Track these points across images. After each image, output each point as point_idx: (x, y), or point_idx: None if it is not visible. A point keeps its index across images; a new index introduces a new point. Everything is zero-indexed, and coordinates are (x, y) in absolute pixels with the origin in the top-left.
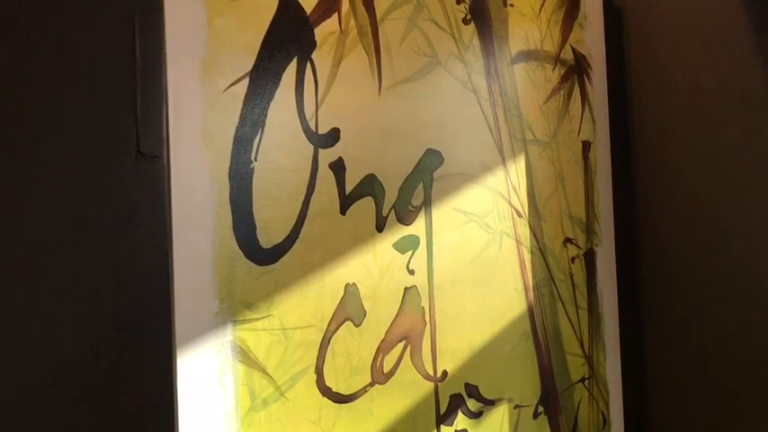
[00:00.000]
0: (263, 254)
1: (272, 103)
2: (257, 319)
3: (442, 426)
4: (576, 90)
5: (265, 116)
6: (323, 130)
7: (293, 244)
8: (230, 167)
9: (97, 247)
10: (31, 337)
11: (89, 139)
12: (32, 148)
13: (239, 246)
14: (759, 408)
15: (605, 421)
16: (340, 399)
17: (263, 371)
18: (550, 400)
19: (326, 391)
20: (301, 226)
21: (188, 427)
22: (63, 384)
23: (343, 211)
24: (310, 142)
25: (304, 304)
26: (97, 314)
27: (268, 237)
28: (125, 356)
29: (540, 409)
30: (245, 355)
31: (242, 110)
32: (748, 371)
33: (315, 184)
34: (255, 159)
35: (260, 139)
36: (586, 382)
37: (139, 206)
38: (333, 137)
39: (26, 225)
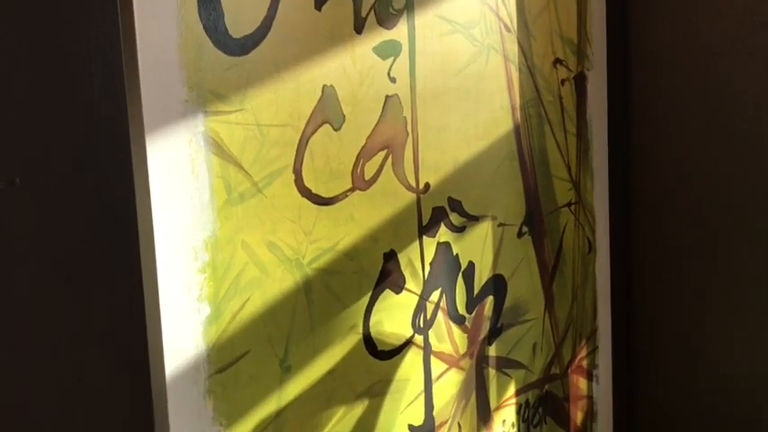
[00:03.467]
0: (233, 43)
1: None
2: (230, 112)
3: (424, 236)
4: None
5: None
6: None
7: (265, 36)
8: None
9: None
10: None
11: None
12: None
13: (206, 32)
14: (749, 229)
15: (591, 247)
16: (320, 201)
17: (239, 165)
18: (535, 221)
19: (306, 192)
20: (273, 18)
21: (163, 214)
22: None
23: (318, 7)
24: None
25: (279, 101)
26: (48, 96)
27: (237, 26)
28: (87, 144)
29: (525, 229)
30: (218, 148)
31: None
32: (738, 196)
33: None
34: None
35: None
36: (573, 207)
37: None
38: None
39: None
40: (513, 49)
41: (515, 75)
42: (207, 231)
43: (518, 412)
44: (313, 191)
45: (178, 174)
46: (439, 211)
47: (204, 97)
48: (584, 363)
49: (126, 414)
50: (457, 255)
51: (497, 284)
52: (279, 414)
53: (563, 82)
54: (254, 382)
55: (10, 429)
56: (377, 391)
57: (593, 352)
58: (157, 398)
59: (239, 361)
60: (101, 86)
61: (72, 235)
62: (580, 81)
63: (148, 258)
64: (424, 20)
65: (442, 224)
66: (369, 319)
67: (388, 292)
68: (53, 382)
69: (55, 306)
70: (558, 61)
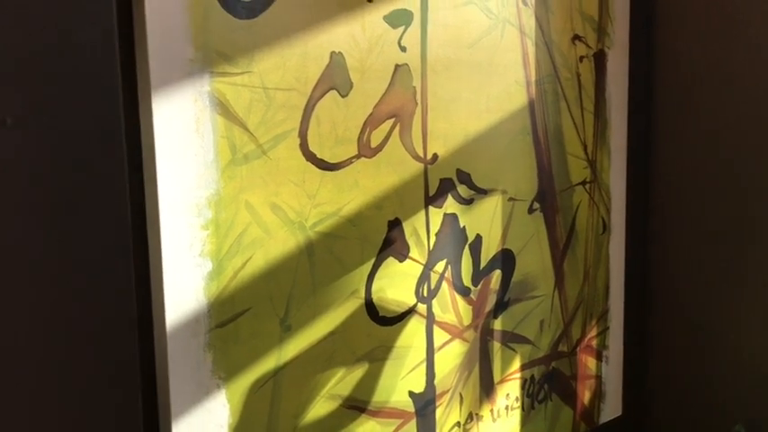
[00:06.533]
0: (241, 6)
1: None
2: (236, 74)
3: (430, 206)
4: None
5: None
6: None
7: (274, 1)
8: None
9: None
10: None
11: None
12: None
13: None
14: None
15: (605, 227)
16: (325, 166)
17: (244, 127)
18: (547, 198)
19: (311, 157)
20: None
21: (167, 171)
22: None
23: None
24: None
25: (286, 66)
26: (46, 41)
27: None
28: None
29: (536, 205)
30: (224, 108)
31: None
32: (762, 180)
33: None
34: None
35: None
36: (587, 186)
37: None
38: None
39: None
40: (530, 23)
41: (531, 50)
42: (210, 189)
43: (522, 387)
44: (318, 155)
45: (183, 132)
46: (446, 182)
47: (210, 58)
48: (594, 342)
49: (128, 362)
50: (464, 227)
51: (505, 259)
52: (278, 371)
53: (581, 59)
54: (253, 339)
55: (14, 374)
56: (377, 355)
57: (603, 332)
58: (159, 348)
59: (240, 317)
60: (101, 34)
61: (68, 182)
62: (599, 59)
63: (152, 212)
64: None
65: (450, 195)
66: (371, 285)
67: (391, 260)
68: (57, 327)
69: (49, 258)
70: (576, 37)
